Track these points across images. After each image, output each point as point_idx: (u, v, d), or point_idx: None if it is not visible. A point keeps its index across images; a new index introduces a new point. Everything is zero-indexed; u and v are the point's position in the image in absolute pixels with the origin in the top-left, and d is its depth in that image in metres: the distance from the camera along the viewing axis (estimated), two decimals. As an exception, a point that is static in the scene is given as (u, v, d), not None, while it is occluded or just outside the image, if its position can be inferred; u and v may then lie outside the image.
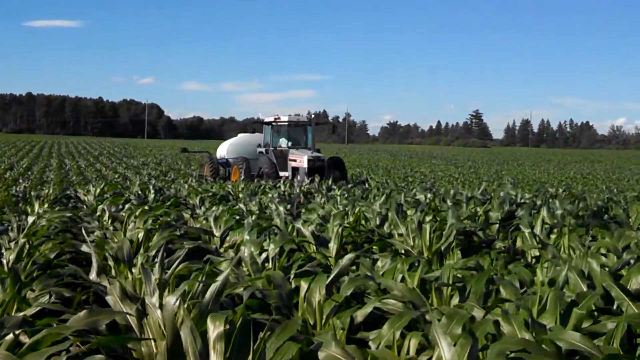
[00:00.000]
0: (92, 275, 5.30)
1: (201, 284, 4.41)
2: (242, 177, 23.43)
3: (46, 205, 10.20)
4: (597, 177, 37.80)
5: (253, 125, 25.44)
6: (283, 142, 25.20)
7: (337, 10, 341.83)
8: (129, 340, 3.68)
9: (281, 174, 23.48)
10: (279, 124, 25.11)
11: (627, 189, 24.02)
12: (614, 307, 4.41)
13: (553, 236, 7.72)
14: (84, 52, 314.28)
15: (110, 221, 9.18)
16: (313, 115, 28.61)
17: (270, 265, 5.78)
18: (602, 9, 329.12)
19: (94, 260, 5.47)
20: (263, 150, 24.95)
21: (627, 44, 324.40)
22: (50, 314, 4.36)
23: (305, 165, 22.62)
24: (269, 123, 25.24)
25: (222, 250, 7.20)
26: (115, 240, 6.54)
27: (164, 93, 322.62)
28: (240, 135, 29.63)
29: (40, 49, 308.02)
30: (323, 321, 4.36)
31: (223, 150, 27.83)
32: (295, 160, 23.45)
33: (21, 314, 4.05)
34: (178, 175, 30.28)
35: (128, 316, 3.96)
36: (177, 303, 3.64)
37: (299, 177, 22.24)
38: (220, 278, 3.64)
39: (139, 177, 25.08)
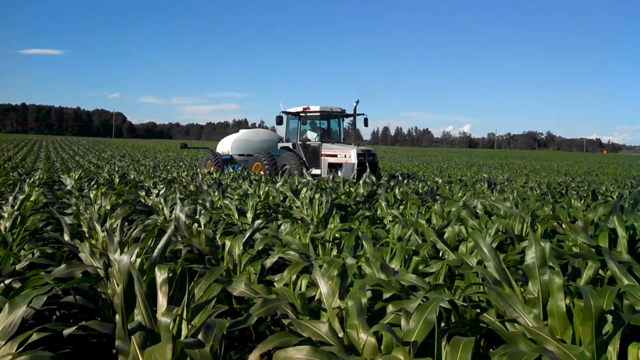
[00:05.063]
0: (66, 237, 5.12)
1: (152, 244, 4.32)
2: (268, 174, 16.00)
3: (36, 187, 9.68)
4: (433, 166, 38.98)
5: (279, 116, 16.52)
6: (311, 135, 16.91)
7: (261, 44, 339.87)
8: (94, 281, 3.56)
9: (313, 171, 15.72)
10: (308, 114, 16.68)
11: (452, 174, 24.91)
12: (440, 254, 4.58)
13: (401, 207, 7.93)
14: (65, 73, 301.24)
15: (83, 198, 8.80)
16: (356, 103, 15.47)
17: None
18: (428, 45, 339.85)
19: (64, 226, 5.30)
20: (289, 145, 16.91)
21: (448, 71, 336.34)
22: (39, 266, 4.18)
23: (355, 160, 14.92)
24: (295, 114, 16.69)
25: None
26: (88, 212, 6.26)
27: (128, 104, 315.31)
28: (241, 131, 21.29)
29: (31, 71, 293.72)
30: (241, 268, 4.33)
31: (226, 146, 20.23)
32: (335, 156, 15.57)
33: (14, 266, 3.86)
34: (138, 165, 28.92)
35: (97, 268, 3.83)
36: (132, 258, 3.52)
37: (340, 174, 14.65)
38: (164, 238, 3.55)
39: (108, 166, 23.83)
